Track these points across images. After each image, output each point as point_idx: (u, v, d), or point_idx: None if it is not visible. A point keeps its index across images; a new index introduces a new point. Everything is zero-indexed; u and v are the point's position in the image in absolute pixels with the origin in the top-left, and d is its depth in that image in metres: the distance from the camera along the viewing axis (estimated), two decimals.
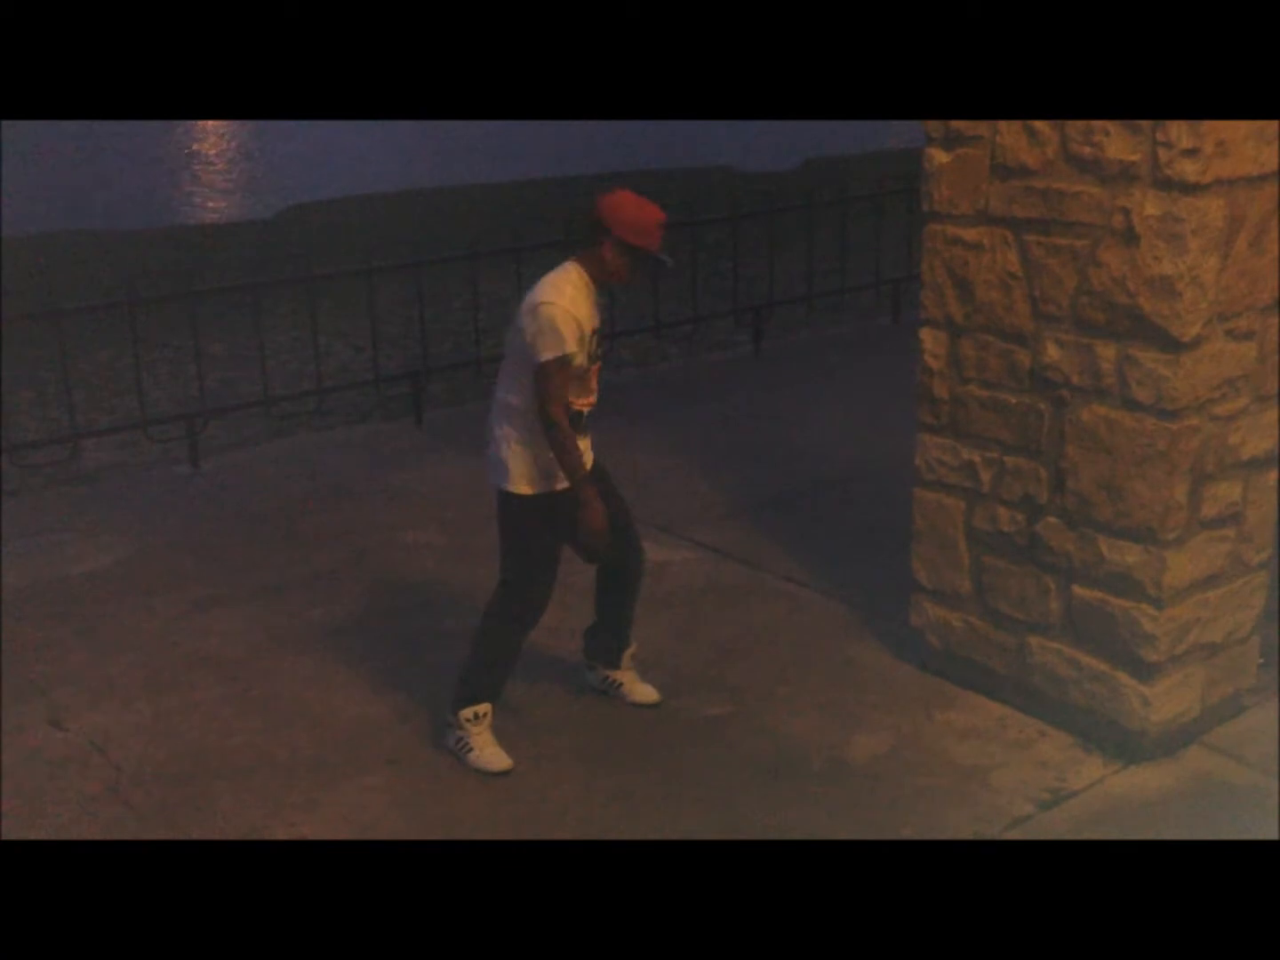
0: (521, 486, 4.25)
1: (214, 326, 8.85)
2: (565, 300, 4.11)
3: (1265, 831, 3.83)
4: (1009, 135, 4.27)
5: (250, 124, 25.08)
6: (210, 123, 26.36)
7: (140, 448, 7.55)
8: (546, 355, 4.07)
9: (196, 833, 4.10)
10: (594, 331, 4.21)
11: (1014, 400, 4.46)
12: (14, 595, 5.62)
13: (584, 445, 4.32)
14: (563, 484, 4.25)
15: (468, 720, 4.38)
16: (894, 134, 20.18)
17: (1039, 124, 4.17)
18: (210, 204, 18.55)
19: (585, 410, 4.28)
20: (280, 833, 4.10)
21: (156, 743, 4.60)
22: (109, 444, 7.59)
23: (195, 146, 24.47)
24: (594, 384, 4.30)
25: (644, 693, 4.75)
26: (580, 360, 4.15)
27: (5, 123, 14.04)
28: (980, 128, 4.34)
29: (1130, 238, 4.04)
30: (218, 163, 22.54)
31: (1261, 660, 4.66)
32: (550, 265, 4.31)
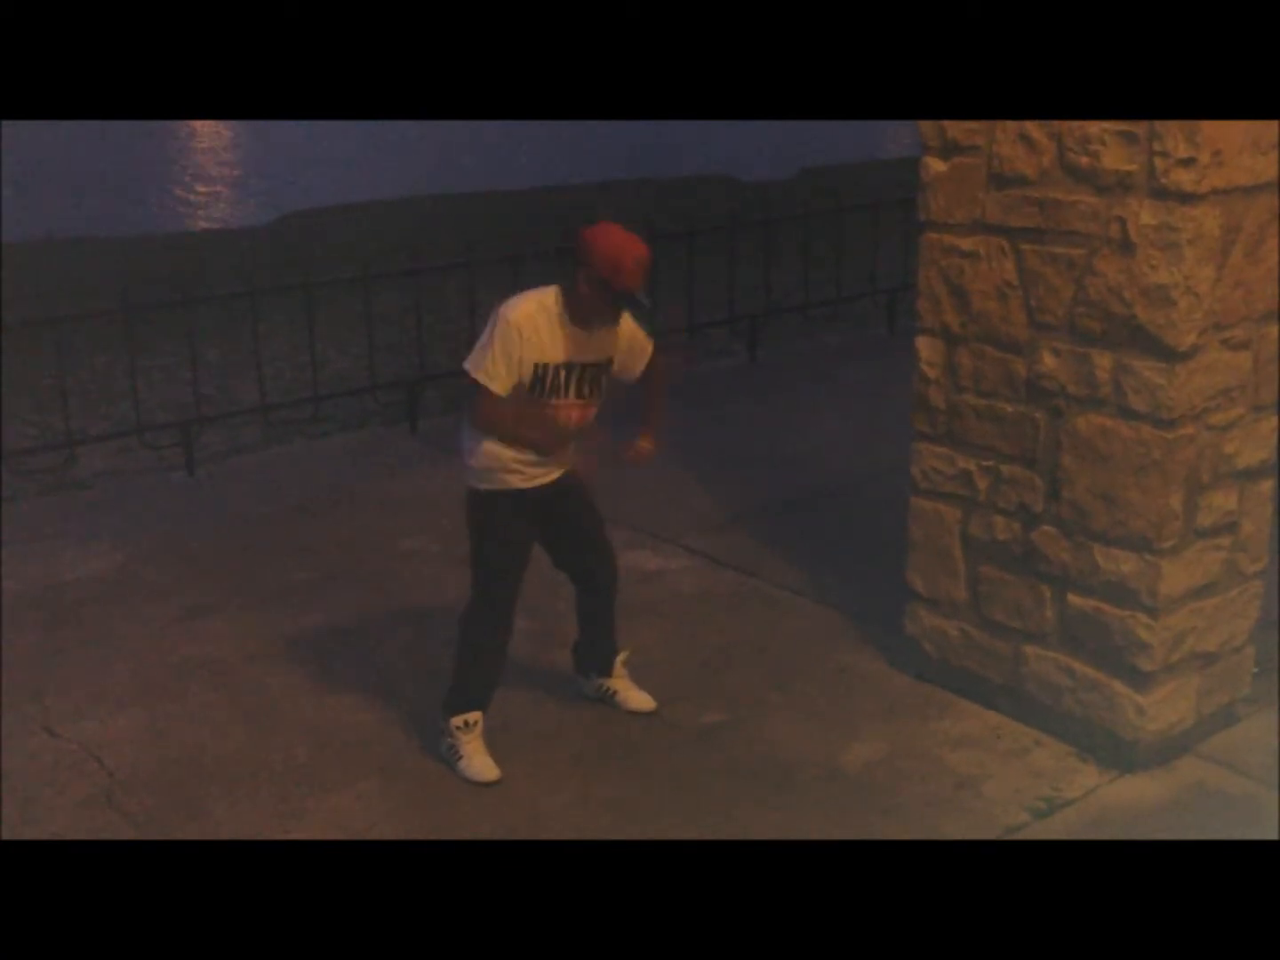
0: (473, 482, 4.26)
1: (210, 333, 8.85)
2: (519, 315, 4.01)
3: (1259, 840, 3.82)
4: (1005, 144, 4.28)
5: (247, 131, 25.10)
6: (207, 129, 26.38)
7: (135, 454, 7.54)
8: (471, 368, 4.03)
9: (189, 839, 4.08)
10: (558, 365, 4.06)
11: (1010, 409, 4.46)
12: (9, 601, 5.60)
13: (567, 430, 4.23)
14: (525, 482, 4.23)
15: (458, 728, 4.37)
16: (891, 143, 20.22)
17: (1035, 133, 4.18)
18: (207, 211, 18.56)
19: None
20: (273, 839, 4.09)
21: (150, 749, 4.59)
22: (104, 450, 7.58)
23: (192, 154, 24.48)
24: (561, 418, 4.15)
25: (639, 700, 4.75)
26: (514, 386, 4.03)
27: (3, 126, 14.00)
28: (977, 137, 4.35)
29: (1126, 247, 4.04)
30: (214, 170, 22.55)
31: (1256, 669, 4.66)
32: (548, 274, 4.26)
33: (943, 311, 4.58)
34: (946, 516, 4.72)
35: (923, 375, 4.68)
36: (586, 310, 4.06)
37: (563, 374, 4.11)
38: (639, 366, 4.34)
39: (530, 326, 4.02)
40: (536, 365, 4.06)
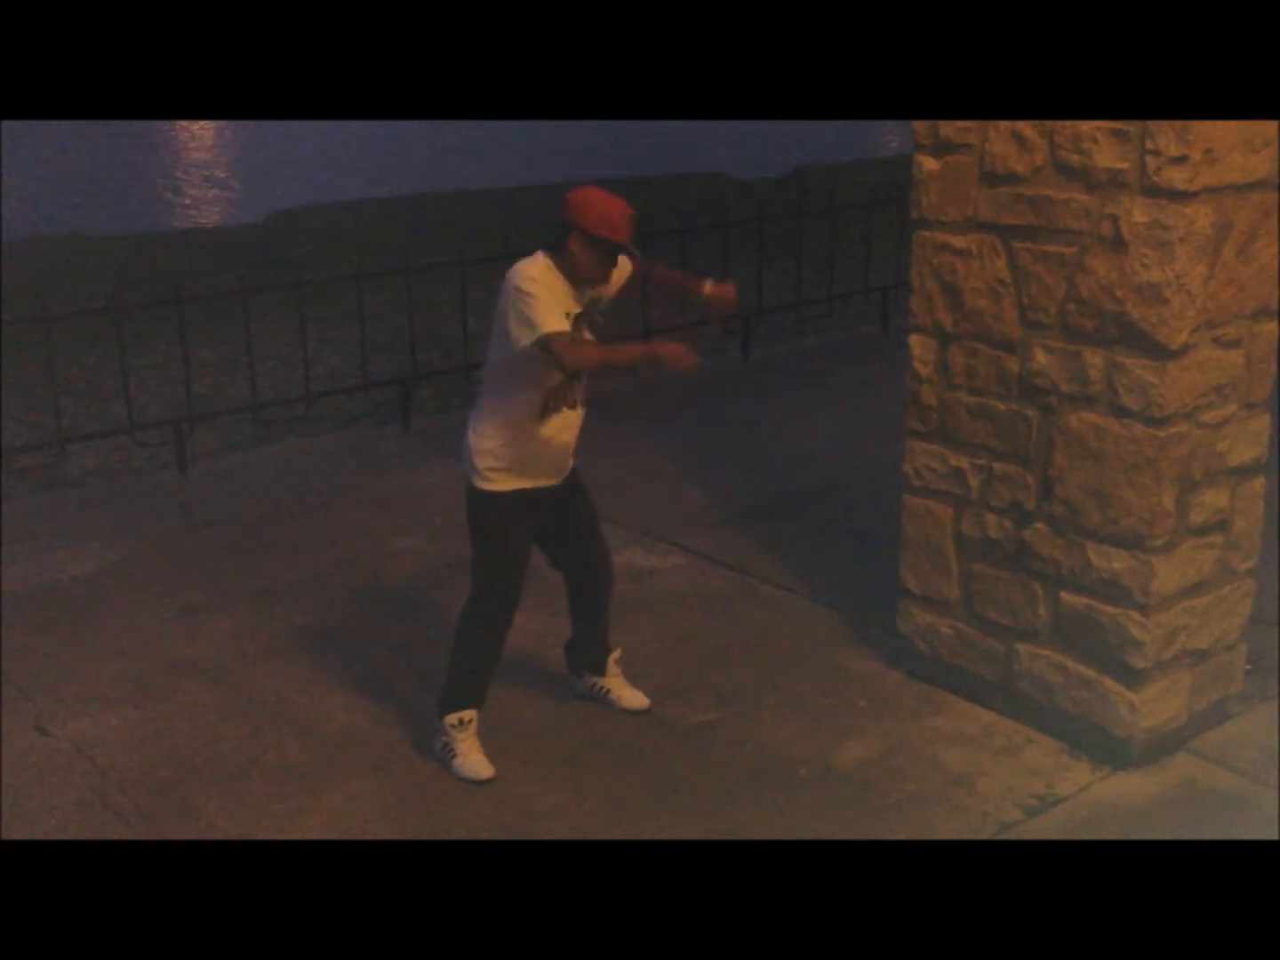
0: (482, 482, 4.24)
1: (202, 332, 8.83)
2: (537, 271, 4.02)
3: (1253, 837, 3.83)
4: (998, 142, 4.28)
5: (240, 129, 25.07)
6: (199, 128, 26.35)
7: (128, 453, 7.54)
8: (545, 329, 3.95)
9: (182, 838, 4.08)
10: (578, 314, 4.10)
11: (1002, 407, 4.47)
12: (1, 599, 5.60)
13: (575, 418, 4.25)
14: (529, 482, 4.23)
15: (452, 726, 4.37)
16: (884, 141, 20.24)
17: (1028, 131, 4.19)
18: (199, 209, 18.54)
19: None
20: (267, 839, 4.08)
21: (143, 748, 4.58)
22: (96, 449, 7.58)
23: (184, 152, 24.45)
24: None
25: (633, 698, 4.75)
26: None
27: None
28: (969, 135, 4.35)
29: (1118, 245, 4.05)
30: (207, 168, 22.52)
31: (1249, 666, 4.67)
32: None
33: (935, 309, 4.59)
34: (939, 514, 4.73)
35: (915, 373, 4.69)
36: (582, 271, 4.09)
37: (583, 321, 4.14)
38: (624, 278, 4.35)
39: (548, 281, 4.05)
40: (567, 314, 4.08)
